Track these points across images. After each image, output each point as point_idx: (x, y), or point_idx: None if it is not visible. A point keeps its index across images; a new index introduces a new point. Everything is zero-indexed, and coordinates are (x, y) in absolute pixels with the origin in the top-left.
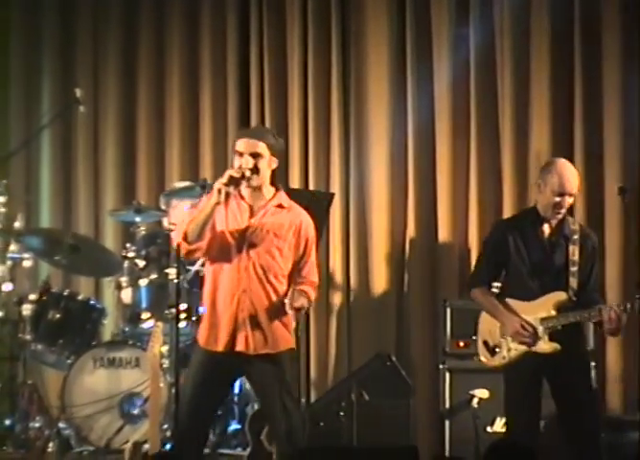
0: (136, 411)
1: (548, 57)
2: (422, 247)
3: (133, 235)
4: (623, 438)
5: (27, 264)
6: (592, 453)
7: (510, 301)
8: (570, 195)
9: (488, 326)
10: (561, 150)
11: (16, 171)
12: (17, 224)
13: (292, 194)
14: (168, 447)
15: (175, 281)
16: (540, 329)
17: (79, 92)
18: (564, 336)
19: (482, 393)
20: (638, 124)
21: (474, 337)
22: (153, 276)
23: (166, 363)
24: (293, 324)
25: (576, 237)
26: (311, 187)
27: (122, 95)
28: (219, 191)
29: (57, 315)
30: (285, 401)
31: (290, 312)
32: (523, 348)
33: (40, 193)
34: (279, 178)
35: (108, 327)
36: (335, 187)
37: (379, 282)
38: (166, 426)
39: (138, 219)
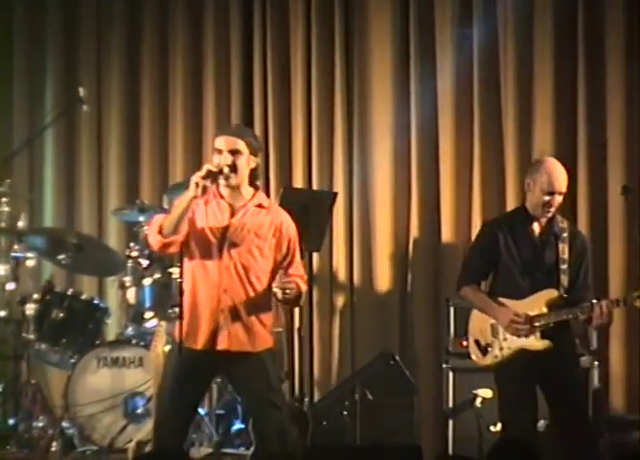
0: (139, 410)
1: (551, 56)
2: (426, 246)
3: (137, 234)
4: (626, 437)
5: (30, 263)
6: (587, 453)
7: (501, 300)
8: (560, 193)
9: (479, 325)
10: (565, 150)
11: (20, 170)
12: (21, 223)
13: (295, 193)
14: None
15: (179, 280)
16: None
17: (82, 91)
18: (555, 334)
19: (485, 392)
20: None
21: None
22: (157, 275)
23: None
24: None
25: (565, 235)
26: (315, 186)
27: (125, 94)
28: (197, 184)
29: (61, 315)
30: (271, 400)
31: (280, 296)
32: (515, 346)
33: (44, 192)
34: (283, 177)
35: (112, 326)
36: (339, 186)
37: (383, 281)
38: None
39: (142, 219)
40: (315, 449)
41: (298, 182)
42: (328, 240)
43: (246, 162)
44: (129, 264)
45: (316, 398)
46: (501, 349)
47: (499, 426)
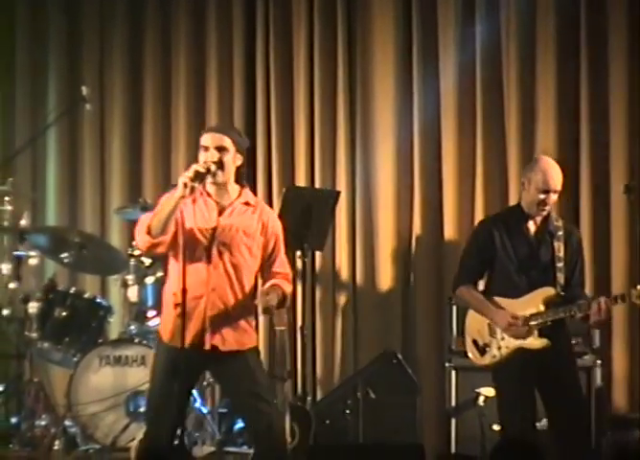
0: (142, 409)
1: (554, 56)
2: (428, 245)
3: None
4: (628, 436)
5: (33, 261)
6: (584, 453)
7: (497, 299)
8: (555, 191)
9: (475, 325)
10: (567, 150)
11: (22, 168)
12: (23, 222)
13: (298, 192)
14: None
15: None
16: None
17: (85, 90)
18: (551, 333)
19: (488, 391)
20: None
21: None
22: (159, 274)
23: None
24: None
25: (560, 233)
26: (317, 185)
27: (128, 93)
28: (185, 185)
29: (64, 313)
30: (259, 396)
31: (261, 310)
32: (514, 345)
33: (46, 191)
34: (286, 176)
35: (114, 325)
36: (341, 185)
37: (385, 280)
38: None
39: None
40: (318, 448)
41: (301, 181)
42: (330, 239)
43: (232, 159)
44: (132, 262)
45: (319, 396)
46: (499, 348)
47: None
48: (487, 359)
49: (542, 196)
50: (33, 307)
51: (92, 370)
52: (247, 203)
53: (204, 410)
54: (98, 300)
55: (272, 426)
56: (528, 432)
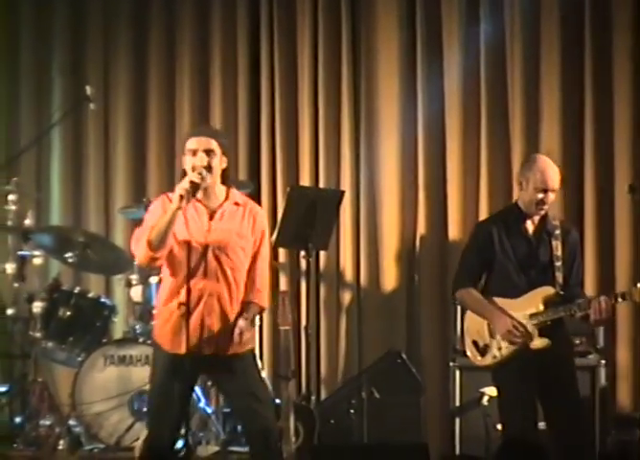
0: (146, 409)
1: (558, 56)
2: (433, 245)
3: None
4: (632, 435)
5: (37, 261)
6: (582, 453)
7: (497, 299)
8: (552, 190)
9: (475, 325)
10: (572, 149)
11: (26, 168)
12: (27, 222)
13: (302, 191)
14: (180, 444)
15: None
16: (530, 326)
17: (89, 89)
18: (552, 332)
19: (492, 391)
20: None
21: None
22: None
23: None
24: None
25: (558, 232)
26: (322, 184)
27: (132, 92)
28: (181, 197)
29: (68, 313)
30: (256, 398)
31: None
32: (514, 347)
33: (50, 190)
34: (290, 176)
35: (119, 324)
36: (346, 184)
37: (390, 280)
38: None
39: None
40: (322, 448)
41: (305, 181)
42: (335, 238)
43: (220, 162)
44: (136, 263)
45: (323, 396)
46: (500, 349)
47: None
48: (488, 360)
49: (541, 196)
50: (37, 306)
51: (96, 370)
52: (236, 203)
53: (208, 410)
54: (102, 300)
55: (267, 428)
56: (529, 432)
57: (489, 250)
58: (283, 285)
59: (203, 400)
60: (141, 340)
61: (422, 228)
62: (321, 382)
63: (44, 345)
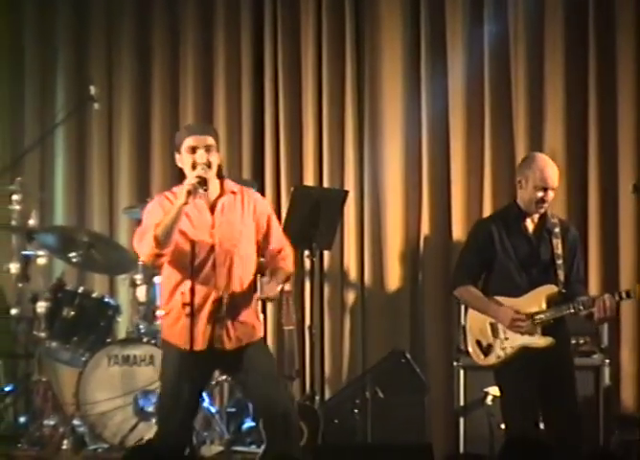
0: (150, 408)
1: (562, 56)
2: (437, 244)
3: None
4: (636, 435)
5: (41, 261)
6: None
7: (499, 299)
8: (552, 188)
9: (477, 325)
10: (575, 149)
11: (30, 168)
12: (31, 222)
13: (306, 191)
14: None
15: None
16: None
17: (93, 89)
18: (554, 331)
19: (496, 390)
20: None
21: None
22: None
23: None
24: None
25: (557, 230)
26: (326, 184)
27: (136, 92)
28: (189, 192)
29: (72, 313)
30: (275, 382)
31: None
32: (518, 345)
33: (54, 190)
34: (294, 176)
35: (123, 324)
36: (350, 184)
37: (394, 279)
38: None
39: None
40: (326, 447)
41: (309, 181)
42: (339, 238)
43: (217, 157)
44: (140, 262)
45: (327, 396)
46: (503, 348)
47: None
48: (492, 360)
49: (541, 194)
50: (41, 306)
51: (100, 369)
52: (233, 192)
53: (212, 410)
54: (106, 299)
55: (287, 413)
56: (531, 431)
57: (489, 249)
58: (287, 284)
59: (207, 399)
60: (145, 340)
61: (426, 228)
62: (325, 382)
63: (48, 345)
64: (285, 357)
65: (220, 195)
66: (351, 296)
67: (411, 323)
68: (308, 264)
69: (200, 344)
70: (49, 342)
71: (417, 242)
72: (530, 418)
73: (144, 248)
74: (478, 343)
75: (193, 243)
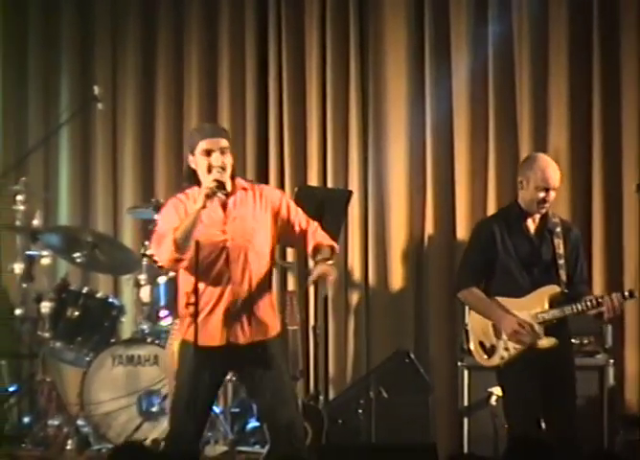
0: (155, 409)
1: (566, 57)
2: (441, 245)
3: (152, 232)
4: None
5: (45, 261)
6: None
7: (501, 299)
8: (554, 188)
9: (480, 326)
10: (580, 151)
11: (35, 168)
12: (36, 222)
13: (311, 191)
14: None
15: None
16: (536, 326)
17: (97, 89)
18: (556, 332)
19: (500, 391)
20: None
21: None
22: (172, 274)
23: None
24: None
25: (559, 230)
26: (330, 185)
27: (140, 92)
28: (207, 196)
29: (76, 313)
30: (282, 392)
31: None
32: (521, 346)
33: (59, 190)
34: (298, 177)
35: (127, 324)
36: (354, 185)
37: (398, 280)
38: None
39: (157, 217)
40: (330, 447)
41: (313, 182)
42: (343, 238)
43: (231, 158)
44: (144, 262)
45: (331, 396)
46: (507, 349)
47: None
48: (495, 361)
49: (542, 194)
50: (45, 306)
51: (105, 369)
52: (244, 189)
53: (216, 410)
54: (110, 300)
55: (293, 422)
56: (533, 431)
57: (491, 249)
58: (291, 285)
59: None
60: (149, 340)
61: (430, 229)
62: (329, 382)
63: (52, 345)
64: (289, 358)
65: (232, 193)
66: (355, 296)
67: (415, 323)
68: (311, 263)
69: (216, 340)
70: (53, 342)
71: (421, 243)
72: (532, 418)
73: (163, 254)
74: (481, 344)
75: (197, 243)
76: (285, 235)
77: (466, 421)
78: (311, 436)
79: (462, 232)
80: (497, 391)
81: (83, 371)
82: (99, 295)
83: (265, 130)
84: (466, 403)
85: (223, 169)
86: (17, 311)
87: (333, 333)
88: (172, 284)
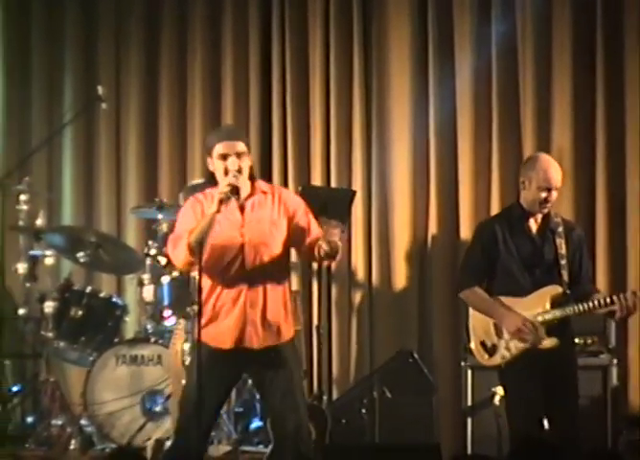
0: (158, 408)
1: (570, 57)
2: (444, 244)
3: (155, 232)
4: None
5: (49, 261)
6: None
7: (503, 299)
8: (555, 189)
9: (481, 325)
10: (583, 150)
11: (38, 168)
12: (39, 222)
13: (314, 191)
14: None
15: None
16: (539, 325)
17: (100, 89)
18: (559, 332)
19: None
20: None
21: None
22: (175, 273)
23: (188, 361)
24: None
25: (560, 229)
26: (333, 185)
27: (144, 92)
28: (221, 201)
29: (80, 313)
30: (292, 397)
31: (325, 248)
32: (522, 345)
33: (62, 190)
34: (302, 176)
35: (130, 324)
36: (357, 184)
37: (401, 279)
38: None
39: (160, 216)
40: (334, 447)
41: (317, 181)
42: (346, 238)
43: (248, 161)
44: (148, 261)
45: (335, 396)
46: (508, 349)
47: None
48: (497, 360)
49: (544, 195)
50: (49, 306)
51: (108, 369)
52: (264, 192)
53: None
54: (114, 299)
55: (300, 425)
56: (535, 431)
57: (493, 249)
58: (295, 285)
59: None
60: (152, 340)
61: (433, 228)
62: (333, 382)
63: (56, 345)
64: None
65: (251, 195)
66: (358, 296)
67: (419, 323)
68: (315, 263)
69: (230, 343)
70: (57, 342)
71: (424, 243)
72: (534, 418)
73: (179, 256)
74: (482, 343)
75: (197, 246)
76: (296, 242)
77: (469, 421)
78: (315, 436)
79: (465, 231)
80: (501, 391)
81: (87, 371)
82: (102, 295)
83: (269, 129)
84: (469, 403)
85: (240, 172)
86: (21, 311)
87: (337, 332)
88: (176, 283)
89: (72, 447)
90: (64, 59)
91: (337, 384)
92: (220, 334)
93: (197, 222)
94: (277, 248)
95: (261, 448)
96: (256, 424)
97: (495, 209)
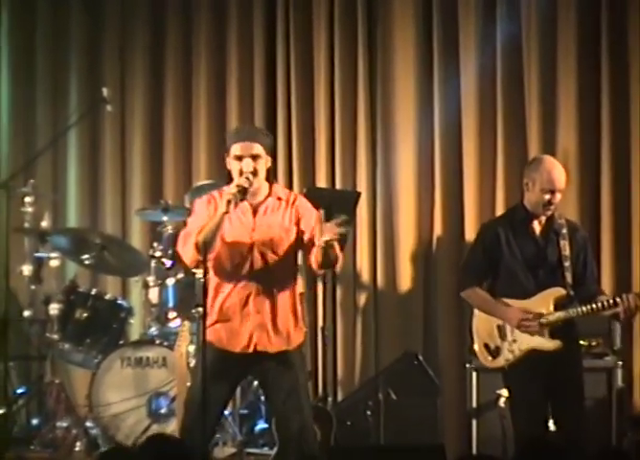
0: (163, 410)
1: (575, 58)
2: (449, 246)
3: (160, 234)
4: None
5: (54, 263)
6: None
7: (506, 301)
8: (559, 190)
9: (485, 328)
10: (588, 151)
11: (43, 170)
12: (44, 224)
13: (319, 192)
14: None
15: (202, 280)
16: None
17: (106, 91)
18: (563, 334)
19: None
20: None
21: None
22: (180, 275)
23: (192, 362)
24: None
25: (564, 231)
26: (338, 186)
27: (149, 94)
28: (229, 201)
29: (85, 315)
30: (297, 400)
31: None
32: (526, 347)
33: (67, 192)
34: (306, 178)
35: (135, 326)
36: (362, 186)
37: (406, 281)
38: None
39: (165, 218)
40: (339, 449)
41: (322, 183)
42: (351, 239)
43: (265, 164)
44: (153, 263)
45: (340, 397)
46: (511, 351)
47: None
48: (500, 362)
49: (548, 197)
50: (54, 308)
51: (113, 371)
52: (279, 198)
53: (225, 412)
54: (119, 301)
55: (304, 427)
56: (539, 432)
57: (495, 251)
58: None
59: None
60: (158, 342)
61: (438, 229)
62: (338, 384)
63: (61, 347)
64: None
65: (266, 199)
66: (363, 298)
67: (424, 325)
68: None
69: (239, 347)
70: (62, 344)
71: (429, 244)
72: (537, 419)
73: (187, 254)
74: (486, 345)
75: (204, 245)
76: (304, 250)
77: (474, 422)
78: (320, 438)
79: (470, 233)
80: (505, 393)
81: (92, 373)
82: (107, 297)
83: (274, 131)
84: (474, 405)
85: (255, 174)
86: (26, 313)
87: (342, 334)
88: (181, 285)
89: (77, 449)
90: (69, 61)
91: (342, 386)
92: (229, 337)
93: (210, 218)
94: (285, 254)
95: (266, 450)
96: (261, 426)
97: (500, 211)
